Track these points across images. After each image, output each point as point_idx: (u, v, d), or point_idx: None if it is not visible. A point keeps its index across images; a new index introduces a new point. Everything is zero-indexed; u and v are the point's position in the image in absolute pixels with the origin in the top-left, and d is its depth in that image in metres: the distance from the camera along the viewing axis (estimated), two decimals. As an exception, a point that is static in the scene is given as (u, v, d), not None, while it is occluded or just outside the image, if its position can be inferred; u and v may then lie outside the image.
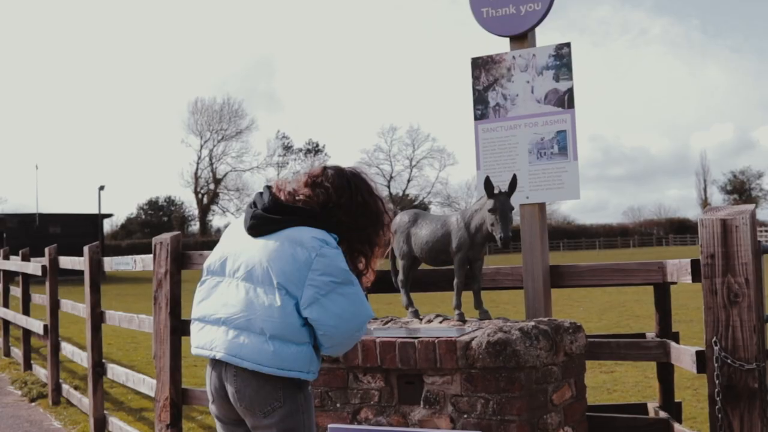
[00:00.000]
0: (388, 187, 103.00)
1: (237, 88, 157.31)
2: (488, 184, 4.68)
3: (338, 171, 3.98)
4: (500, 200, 4.63)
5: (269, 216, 3.83)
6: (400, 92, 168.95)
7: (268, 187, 3.97)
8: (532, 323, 4.50)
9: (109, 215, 65.87)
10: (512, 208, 4.67)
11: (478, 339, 4.32)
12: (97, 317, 8.78)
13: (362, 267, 4.02)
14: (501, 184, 4.86)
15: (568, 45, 5.40)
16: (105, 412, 8.82)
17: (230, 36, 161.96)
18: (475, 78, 5.69)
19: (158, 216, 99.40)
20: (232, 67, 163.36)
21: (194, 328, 3.96)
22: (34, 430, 9.42)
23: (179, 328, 6.59)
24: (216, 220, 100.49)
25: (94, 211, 59.76)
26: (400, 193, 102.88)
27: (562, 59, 5.40)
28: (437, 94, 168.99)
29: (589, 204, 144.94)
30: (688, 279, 4.72)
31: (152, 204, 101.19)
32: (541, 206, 5.49)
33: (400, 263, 5.23)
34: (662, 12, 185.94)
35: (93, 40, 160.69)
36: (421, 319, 5.12)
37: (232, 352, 3.73)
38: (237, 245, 3.92)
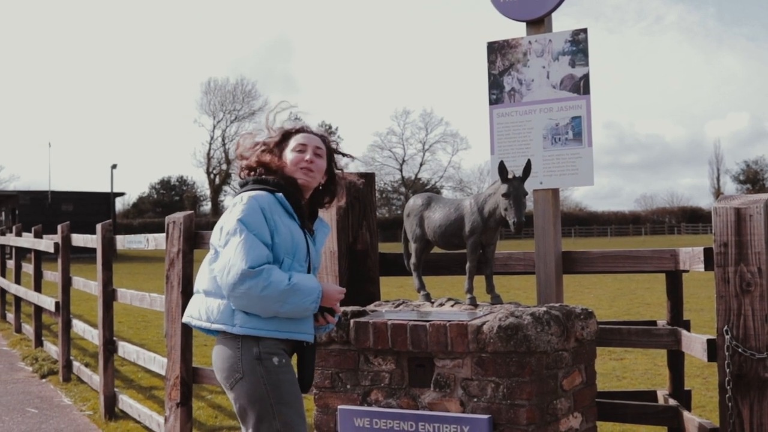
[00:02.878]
0: (401, 170, 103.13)
1: (252, 69, 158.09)
2: (502, 169, 4.67)
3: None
4: (514, 185, 4.62)
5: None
6: (414, 76, 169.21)
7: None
8: (544, 308, 4.49)
9: (121, 194, 66.06)
10: (526, 194, 4.66)
11: (489, 323, 4.32)
12: (109, 295, 8.81)
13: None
14: (515, 169, 4.85)
15: (584, 31, 5.38)
16: (115, 389, 8.87)
17: (246, 17, 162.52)
18: (491, 62, 5.67)
19: (170, 195, 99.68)
20: (248, 49, 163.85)
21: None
22: (44, 406, 9.46)
23: (191, 307, 6.61)
24: (228, 201, 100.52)
25: (107, 189, 60.02)
26: (413, 177, 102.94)
27: (578, 45, 5.38)
28: (451, 78, 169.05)
29: (601, 191, 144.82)
30: (701, 267, 4.71)
31: (164, 183, 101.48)
32: (555, 192, 5.48)
33: (412, 246, 5.23)
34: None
35: (108, 18, 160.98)
36: (432, 303, 5.12)
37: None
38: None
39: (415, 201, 5.24)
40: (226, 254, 3.75)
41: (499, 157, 5.49)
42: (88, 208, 55.70)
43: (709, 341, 4.57)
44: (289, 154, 4.14)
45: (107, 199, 58.81)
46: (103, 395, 8.72)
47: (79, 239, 10.87)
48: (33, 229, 14.18)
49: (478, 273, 5.00)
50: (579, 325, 4.61)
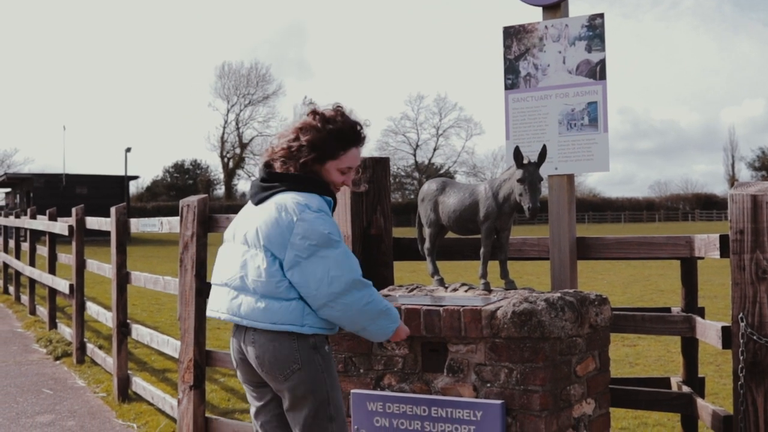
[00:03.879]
0: (414, 155, 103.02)
1: (267, 54, 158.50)
2: (517, 154, 4.65)
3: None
4: (529, 170, 4.60)
5: (262, 185, 4.08)
6: (428, 61, 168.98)
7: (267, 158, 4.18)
8: (558, 294, 4.48)
9: (135, 177, 66.14)
10: (541, 179, 4.64)
11: (503, 309, 4.31)
12: (123, 278, 8.84)
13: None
14: (530, 155, 4.83)
15: (601, 16, 5.35)
16: (129, 371, 8.90)
17: (262, 2, 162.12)
18: (507, 47, 5.65)
19: (184, 179, 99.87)
20: (263, 34, 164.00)
21: (211, 292, 4.20)
22: (58, 387, 9.51)
23: (204, 290, 6.62)
24: (241, 185, 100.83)
25: (121, 172, 60.12)
26: (426, 162, 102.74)
27: (594, 30, 5.34)
28: (466, 63, 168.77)
29: (615, 177, 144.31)
30: (716, 254, 4.69)
31: (178, 167, 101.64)
32: (570, 177, 5.46)
33: (426, 231, 5.22)
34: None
35: (125, 1, 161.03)
36: (446, 288, 5.11)
37: (231, 311, 3.96)
38: (244, 213, 4.18)
39: (430, 186, 5.22)
40: (320, 265, 3.80)
41: (515, 142, 5.47)
42: (102, 192, 55.89)
43: (723, 328, 4.55)
44: (333, 171, 4.14)
45: (121, 182, 58.91)
46: (116, 377, 8.75)
47: (93, 222, 10.90)
48: (47, 212, 14.19)
49: (492, 258, 4.99)
50: (593, 312, 4.59)
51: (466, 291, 5.00)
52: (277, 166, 4.08)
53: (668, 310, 5.87)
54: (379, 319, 3.93)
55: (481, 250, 4.91)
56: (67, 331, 12.18)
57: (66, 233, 11.86)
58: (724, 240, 4.59)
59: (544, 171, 5.00)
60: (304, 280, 3.81)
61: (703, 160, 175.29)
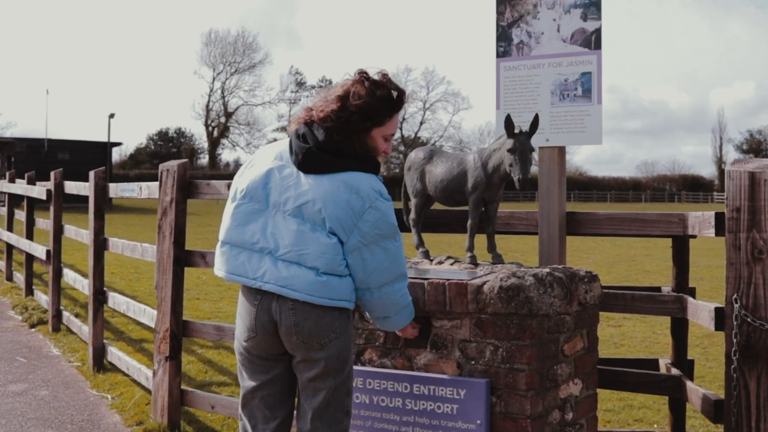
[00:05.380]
0: (401, 128, 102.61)
1: (256, 23, 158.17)
2: (509, 123, 4.47)
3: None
4: (520, 140, 4.42)
5: (326, 156, 3.78)
6: (417, 33, 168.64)
7: (314, 123, 3.87)
8: (547, 270, 4.32)
9: (118, 144, 65.82)
10: (533, 149, 4.47)
11: (490, 283, 4.15)
12: (100, 244, 8.63)
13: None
14: (521, 125, 4.65)
15: (598, -17, 5.16)
16: (105, 341, 8.71)
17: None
18: (500, 13, 5.46)
19: (167, 147, 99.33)
20: (253, 2, 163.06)
21: (226, 251, 3.90)
22: (32, 356, 9.32)
23: (182, 258, 6.44)
24: (225, 154, 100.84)
25: (104, 139, 59.71)
26: (412, 136, 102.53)
27: (591, -3, 5.16)
28: (455, 37, 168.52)
29: (603, 156, 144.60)
30: (711, 233, 4.53)
31: (162, 135, 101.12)
32: (561, 150, 5.29)
33: (412, 201, 5.04)
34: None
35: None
36: (431, 260, 4.94)
37: (282, 283, 3.71)
38: (282, 177, 3.84)
39: (417, 154, 5.04)
40: (380, 254, 3.76)
41: (505, 111, 5.29)
42: (85, 157, 55.43)
43: (716, 309, 4.39)
44: (378, 138, 3.94)
45: (104, 148, 58.49)
46: (92, 346, 8.56)
47: (72, 187, 10.66)
48: (26, 175, 13.94)
49: (480, 231, 4.82)
50: (582, 289, 4.43)
51: (451, 264, 4.83)
52: (326, 128, 3.82)
53: (658, 289, 5.72)
54: (404, 310, 3.93)
55: (468, 222, 4.75)
56: (43, 298, 11.95)
57: (44, 197, 11.63)
58: (719, 218, 4.43)
59: (535, 142, 4.83)
60: (361, 265, 3.75)
61: (691, 142, 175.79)
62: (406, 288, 3.90)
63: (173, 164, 6.53)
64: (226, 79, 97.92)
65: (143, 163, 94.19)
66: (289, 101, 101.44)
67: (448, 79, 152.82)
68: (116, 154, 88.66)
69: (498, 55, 5.44)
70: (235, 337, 3.97)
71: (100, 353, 8.54)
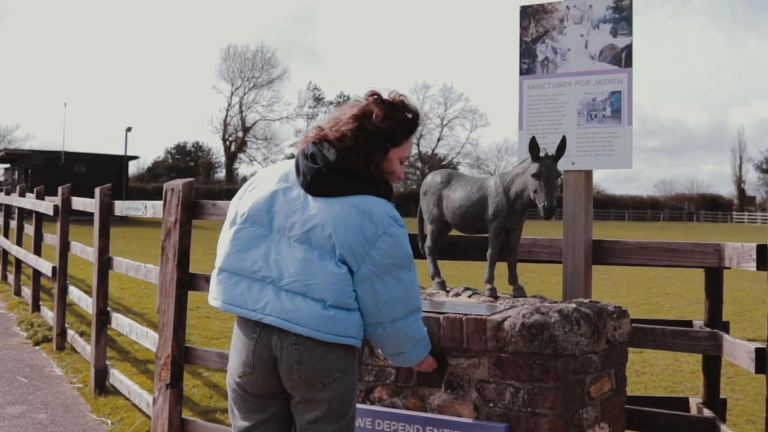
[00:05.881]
0: (418, 144, 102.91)
1: (276, 39, 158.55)
2: (534, 146, 4.14)
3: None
4: (546, 164, 4.09)
5: (337, 177, 3.47)
6: (436, 50, 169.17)
7: (327, 142, 3.55)
8: (573, 305, 3.98)
9: (134, 157, 65.70)
10: (559, 175, 4.14)
11: (511, 319, 3.82)
12: (105, 263, 8.34)
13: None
14: (546, 147, 4.33)
15: (629, -4, 4.85)
16: (107, 363, 8.41)
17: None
18: (523, 28, 5.14)
19: (185, 161, 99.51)
20: (273, 18, 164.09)
21: (223, 279, 3.56)
22: (34, 375, 9.03)
23: (186, 281, 6.14)
24: (242, 169, 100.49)
25: (121, 152, 59.74)
26: (430, 152, 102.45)
27: (621, 12, 4.85)
28: (473, 54, 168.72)
29: (621, 174, 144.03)
30: (752, 266, 4.19)
31: (180, 148, 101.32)
32: (588, 174, 4.97)
33: (428, 228, 4.71)
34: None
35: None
36: (447, 292, 4.60)
37: (285, 316, 3.39)
38: (288, 199, 3.52)
39: (434, 178, 4.71)
40: (392, 285, 3.44)
41: (528, 132, 4.97)
42: (101, 170, 55.43)
43: (757, 351, 4.05)
44: (395, 160, 3.65)
45: (120, 161, 58.48)
46: (93, 368, 8.26)
47: (79, 203, 10.39)
48: (35, 189, 13.70)
49: (500, 260, 4.50)
50: (611, 325, 4.10)
51: (469, 297, 4.50)
52: (340, 150, 3.52)
53: (690, 323, 5.37)
54: (419, 344, 3.62)
55: (488, 252, 4.41)
56: (49, 314, 11.67)
57: (51, 213, 11.36)
58: (762, 251, 4.10)
59: (561, 166, 4.49)
60: (372, 296, 3.42)
61: (709, 160, 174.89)
62: (420, 320, 3.58)
63: (178, 183, 6.23)
64: (245, 93, 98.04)
65: (161, 177, 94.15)
66: (307, 117, 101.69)
67: (466, 96, 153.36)
68: (133, 168, 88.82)
69: (521, 73, 5.13)
70: (228, 370, 3.64)
71: (102, 375, 8.24)
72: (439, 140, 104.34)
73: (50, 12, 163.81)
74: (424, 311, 4.00)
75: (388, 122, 3.52)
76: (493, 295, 4.38)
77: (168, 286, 6.16)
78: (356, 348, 3.52)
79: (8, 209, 18.32)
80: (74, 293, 10.30)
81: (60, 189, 10.89)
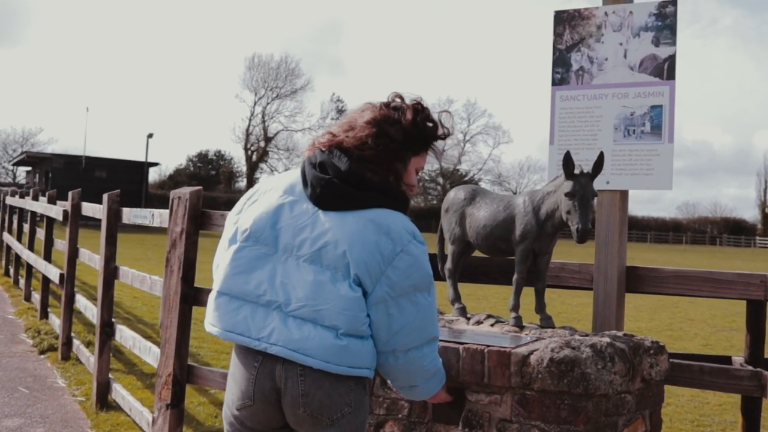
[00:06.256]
0: (440, 160, 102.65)
1: (301, 50, 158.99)
2: (568, 162, 3.76)
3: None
4: (581, 183, 3.71)
5: (350, 189, 3.09)
6: (460, 65, 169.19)
7: (340, 149, 3.17)
8: (607, 340, 3.60)
9: (155, 164, 65.80)
10: (595, 194, 3.76)
11: (538, 354, 3.44)
12: (110, 273, 8.00)
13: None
14: (579, 164, 3.95)
15: (673, 2, 4.48)
16: (110, 376, 8.07)
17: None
18: (557, 35, 4.78)
19: (207, 169, 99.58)
20: (299, 29, 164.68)
21: (223, 304, 3.18)
22: (36, 386, 8.69)
23: (191, 295, 5.79)
24: (264, 179, 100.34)
25: (142, 158, 59.79)
26: (451, 168, 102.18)
27: (665, 19, 4.48)
28: (497, 69, 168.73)
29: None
30: (802, 300, 3.80)
31: (202, 156, 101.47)
32: (623, 194, 4.60)
33: (449, 248, 4.33)
34: (735, 3, 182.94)
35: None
36: (468, 319, 4.22)
37: (293, 346, 3.02)
38: (295, 214, 3.15)
39: (457, 194, 4.34)
40: (409, 310, 3.07)
41: (560, 148, 4.61)
42: (122, 176, 55.57)
43: (810, 395, 3.66)
44: (412, 170, 3.31)
45: (141, 168, 58.50)
46: (96, 382, 7.92)
47: (88, 209, 10.06)
48: (48, 193, 13.40)
49: (526, 285, 4.12)
50: (647, 362, 3.72)
51: (492, 325, 4.11)
52: (355, 160, 3.15)
53: (728, 360, 4.97)
54: (434, 377, 3.25)
55: (514, 276, 4.03)
56: (57, 322, 11.34)
57: (61, 218, 11.05)
58: (816, 285, 3.71)
59: (594, 185, 4.11)
60: (386, 321, 3.05)
61: (733, 184, 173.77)
62: (436, 351, 3.20)
63: (185, 191, 5.89)
64: (267, 103, 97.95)
65: (182, 184, 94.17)
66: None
67: (490, 112, 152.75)
68: (155, 174, 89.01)
69: (554, 83, 4.77)
70: (225, 402, 3.26)
71: (104, 389, 7.90)
72: (461, 156, 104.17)
73: (75, 16, 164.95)
74: (441, 340, 3.64)
75: (415, 129, 3.18)
76: (519, 324, 4.00)
77: (171, 301, 5.82)
78: (368, 380, 3.16)
79: (21, 212, 18.07)
80: (81, 302, 9.97)
81: (70, 194, 10.57)
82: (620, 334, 3.87)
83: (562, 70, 4.76)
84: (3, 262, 20.15)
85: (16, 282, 17.18)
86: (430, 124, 3.25)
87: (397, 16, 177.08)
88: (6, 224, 20.28)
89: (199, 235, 5.91)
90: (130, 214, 7.75)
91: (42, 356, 10.40)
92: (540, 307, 4.04)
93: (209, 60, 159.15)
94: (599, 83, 4.65)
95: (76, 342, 9.98)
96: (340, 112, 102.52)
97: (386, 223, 3.05)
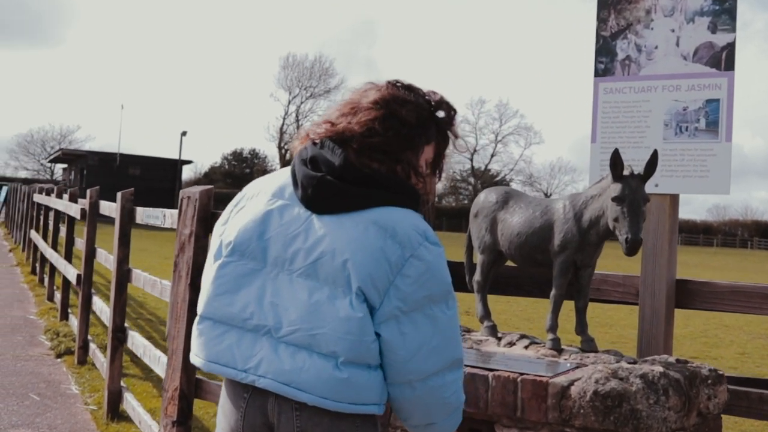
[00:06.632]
0: (471, 159, 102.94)
1: (336, 50, 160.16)
2: (617, 162, 3.26)
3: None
4: (631, 186, 3.22)
5: (347, 186, 2.58)
6: (492, 65, 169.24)
7: (342, 140, 2.66)
8: (659, 368, 3.11)
9: (189, 162, 65.77)
10: (647, 199, 3.27)
11: (580, 385, 2.96)
12: (123, 275, 7.59)
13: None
14: (629, 164, 3.46)
15: (734, -16, 3.99)
16: (123, 384, 7.67)
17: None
18: (601, 21, 4.29)
19: (241, 167, 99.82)
20: (333, 30, 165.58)
21: (205, 330, 2.69)
22: (48, 393, 8.32)
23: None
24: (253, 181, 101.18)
25: (176, 156, 59.90)
26: (482, 167, 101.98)
27: (723, 3, 3.99)
28: (530, 71, 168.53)
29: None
30: None
31: (236, 155, 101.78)
32: (674, 199, 4.11)
33: (478, 257, 3.84)
34: (767, 6, 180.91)
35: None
36: (499, 340, 3.71)
37: (285, 378, 2.52)
38: (285, 222, 2.64)
39: (488, 196, 3.84)
40: (425, 327, 2.51)
41: (603, 146, 4.13)
42: (155, 174, 55.67)
43: None
44: (423, 160, 2.78)
45: (175, 165, 58.51)
46: (107, 390, 7.52)
47: (105, 207, 9.67)
48: (69, 191, 13.04)
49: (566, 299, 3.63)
50: (705, 394, 3.23)
51: (526, 347, 3.61)
52: (374, 159, 2.64)
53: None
54: (454, 414, 2.66)
55: (552, 292, 3.52)
56: (76, 324, 10.98)
57: (79, 216, 10.68)
58: None
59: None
60: (399, 342, 2.50)
61: (764, 187, 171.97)
62: (460, 380, 2.65)
63: (195, 191, 5.45)
64: (301, 102, 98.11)
65: (217, 182, 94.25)
66: None
67: (521, 113, 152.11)
68: (190, 172, 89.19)
69: (597, 74, 4.28)
70: None
71: (116, 398, 7.50)
72: (492, 156, 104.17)
73: (113, 16, 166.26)
74: (468, 365, 3.16)
75: (424, 108, 2.70)
76: (556, 347, 3.49)
77: (179, 309, 5.38)
78: (377, 417, 2.64)
79: (47, 210, 17.79)
80: (97, 304, 9.58)
81: (88, 192, 10.18)
82: (672, 359, 3.37)
83: (606, 60, 4.27)
84: (30, 259, 19.94)
85: (41, 280, 16.92)
86: (450, 106, 2.77)
87: (430, 17, 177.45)
88: (33, 221, 20.08)
89: (209, 238, 5.47)
90: (143, 214, 7.34)
91: (58, 360, 10.05)
92: (581, 327, 3.53)
93: (244, 59, 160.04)
94: (648, 74, 4.16)
95: (92, 346, 9.60)
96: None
97: (392, 224, 2.53)
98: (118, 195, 7.71)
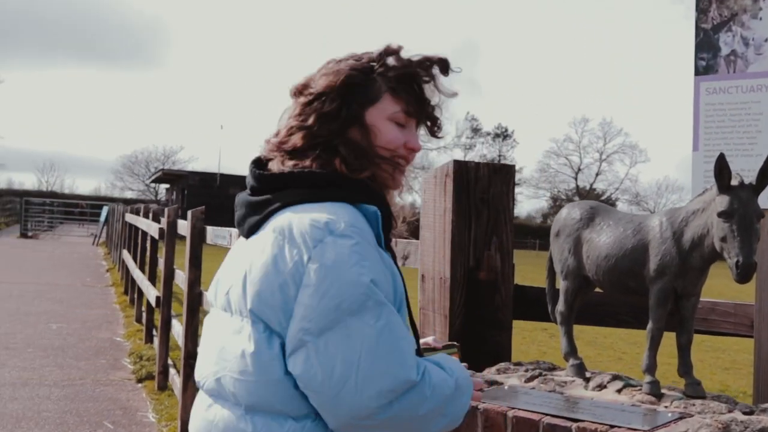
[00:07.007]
0: (575, 179, 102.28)
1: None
2: (723, 170, 2.69)
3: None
4: (741, 199, 2.66)
5: (251, 199, 2.19)
6: (595, 84, 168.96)
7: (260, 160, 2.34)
8: (783, 420, 2.55)
9: (286, 180, 66.64)
10: (762, 215, 2.71)
11: (683, 441, 2.43)
12: (195, 299, 7.25)
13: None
14: (738, 174, 2.91)
15: None
16: (196, 414, 7.30)
17: (439, 19, 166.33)
18: (701, 12, 3.75)
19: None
20: (437, 50, 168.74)
21: (197, 403, 2.33)
22: (123, 421, 8.03)
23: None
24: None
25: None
26: (587, 187, 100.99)
27: None
28: (633, 90, 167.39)
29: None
30: None
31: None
32: (792, 213, 3.54)
33: (561, 284, 3.32)
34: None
35: (291, 7, 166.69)
36: (587, 381, 3.16)
37: None
38: (232, 257, 2.27)
39: (571, 213, 3.31)
40: (342, 347, 1.93)
41: (707, 155, 3.59)
42: (256, 193, 56.53)
43: None
44: (381, 122, 2.25)
45: (275, 185, 59.36)
46: (180, 421, 7.18)
47: (182, 226, 9.37)
48: (151, 211, 12.85)
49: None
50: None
51: (618, 391, 3.03)
52: (277, 160, 2.23)
53: None
54: (450, 405, 2.09)
55: (649, 326, 2.96)
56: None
57: (157, 236, 10.44)
58: None
59: (760, 201, 3.05)
60: (313, 376, 1.93)
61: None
62: (427, 389, 2.02)
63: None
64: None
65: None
66: (464, 147, 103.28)
67: (626, 131, 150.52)
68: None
69: (697, 72, 3.74)
70: None
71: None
72: (597, 175, 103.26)
73: (212, 38, 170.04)
74: (549, 415, 2.65)
75: (347, 73, 2.26)
76: (655, 392, 2.91)
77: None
78: None
79: (136, 229, 17.79)
80: (176, 328, 9.26)
81: (166, 211, 9.92)
82: (798, 406, 2.81)
83: (708, 56, 3.72)
84: (123, 280, 19.98)
85: (132, 301, 16.82)
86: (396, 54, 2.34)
87: (532, 37, 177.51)
88: (126, 241, 20.14)
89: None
90: (213, 234, 6.98)
91: (139, 385, 9.81)
92: (685, 367, 2.94)
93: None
94: (757, 71, 3.60)
95: (171, 371, 9.29)
96: (475, 131, 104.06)
97: (288, 224, 2.04)
98: (189, 213, 7.37)
